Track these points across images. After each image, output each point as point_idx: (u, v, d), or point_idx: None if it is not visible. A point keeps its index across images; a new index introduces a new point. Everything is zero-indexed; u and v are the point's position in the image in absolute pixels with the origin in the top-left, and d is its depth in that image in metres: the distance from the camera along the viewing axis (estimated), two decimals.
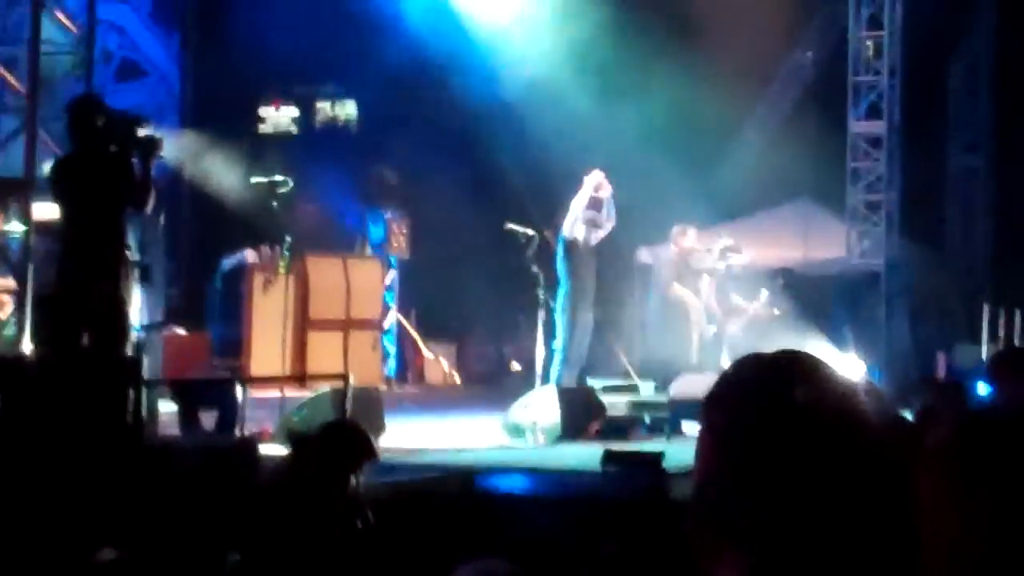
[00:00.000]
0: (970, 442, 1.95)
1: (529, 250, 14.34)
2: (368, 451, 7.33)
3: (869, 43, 20.03)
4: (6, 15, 11.56)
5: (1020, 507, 1.88)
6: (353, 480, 7.20)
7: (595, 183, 14.46)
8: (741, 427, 1.89)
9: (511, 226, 14.55)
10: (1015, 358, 4.16)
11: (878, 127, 19.88)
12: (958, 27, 22.55)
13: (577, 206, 14.35)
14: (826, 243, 20.66)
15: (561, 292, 14.33)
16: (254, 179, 13.26)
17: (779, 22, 21.84)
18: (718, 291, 16.90)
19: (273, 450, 9.94)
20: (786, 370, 1.93)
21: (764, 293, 17.41)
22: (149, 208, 9.92)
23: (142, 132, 9.86)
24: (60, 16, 11.21)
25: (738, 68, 21.44)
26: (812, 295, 19.45)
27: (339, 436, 7.40)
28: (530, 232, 14.47)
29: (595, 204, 14.47)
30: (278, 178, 12.95)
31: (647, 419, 13.48)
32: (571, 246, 14.28)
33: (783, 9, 21.61)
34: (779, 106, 23.06)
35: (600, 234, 14.57)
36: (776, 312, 18.94)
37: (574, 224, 14.34)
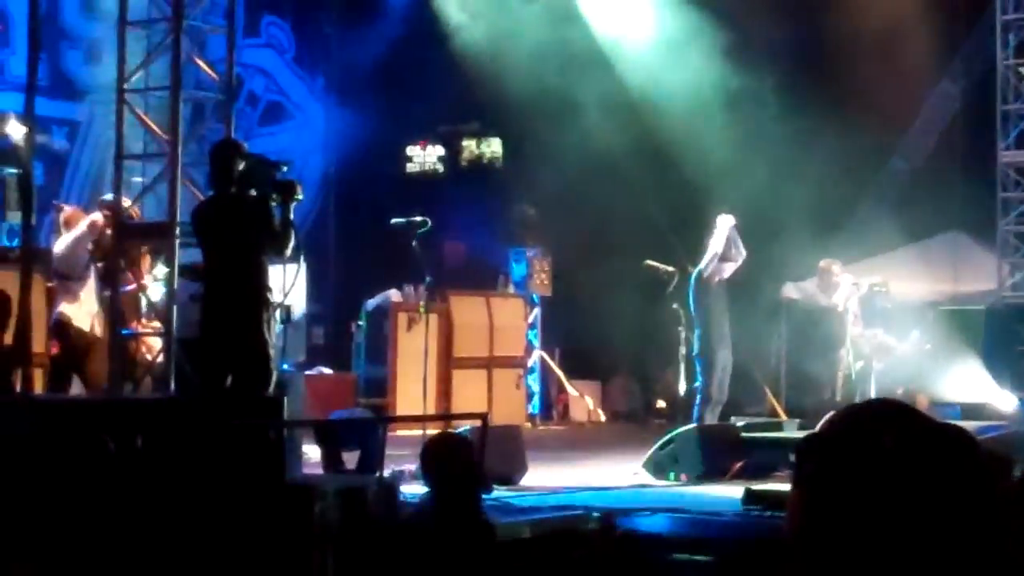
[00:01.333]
0: None
1: (670, 287, 14.29)
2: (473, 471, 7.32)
3: (1018, 71, 19.69)
4: (150, 62, 11.79)
5: None
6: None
7: (730, 224, 14.38)
8: (832, 476, 1.88)
9: (651, 263, 14.51)
10: None
11: None
12: None
13: (715, 245, 14.27)
14: (977, 276, 20.32)
15: (697, 331, 14.24)
16: (394, 220, 13.34)
17: (926, 53, 21.55)
18: (866, 327, 16.65)
19: (414, 489, 9.97)
20: (876, 418, 1.92)
21: (915, 333, 17.11)
22: (289, 252, 10.05)
23: (282, 176, 9.99)
24: (200, 62, 11.41)
25: (885, 100, 21.18)
26: (963, 329, 19.11)
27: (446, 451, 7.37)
28: (670, 269, 14.42)
29: (727, 241, 14.43)
30: (417, 218, 13.02)
31: (791, 458, 13.30)
32: (704, 285, 14.21)
33: (930, 39, 21.31)
34: (927, 138, 22.72)
35: (730, 268, 14.45)
36: (927, 347, 18.64)
37: (710, 263, 14.27)
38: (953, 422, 1.99)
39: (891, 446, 1.85)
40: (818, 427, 1.99)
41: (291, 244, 9.92)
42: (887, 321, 17.21)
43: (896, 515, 1.82)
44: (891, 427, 1.88)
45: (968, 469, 1.86)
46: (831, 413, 2.02)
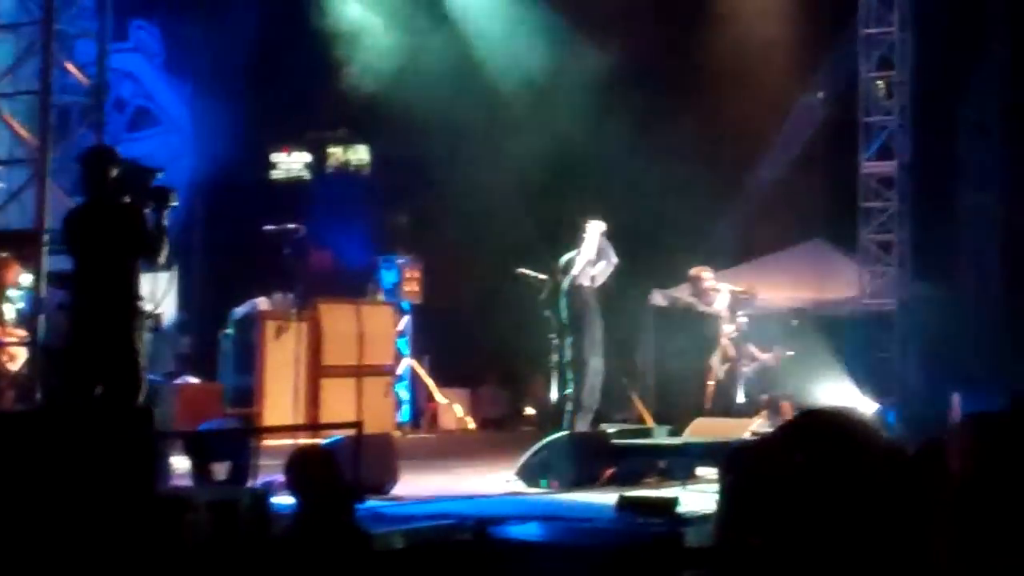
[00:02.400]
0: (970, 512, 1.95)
1: (541, 295, 14.31)
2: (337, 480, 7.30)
3: (879, 83, 20.07)
4: (18, 65, 11.59)
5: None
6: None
7: (600, 230, 14.41)
8: (743, 487, 1.92)
9: (523, 271, 14.53)
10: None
11: (889, 167, 19.92)
12: (968, 67, 22.54)
13: (586, 252, 14.28)
14: (839, 283, 20.66)
15: (570, 338, 14.27)
16: (267, 227, 13.23)
17: (790, 64, 21.88)
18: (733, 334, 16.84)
19: (286, 500, 9.89)
20: (798, 432, 1.95)
21: (777, 347, 17.36)
22: (163, 259, 9.93)
23: (155, 182, 9.87)
24: (70, 67, 11.23)
25: (750, 110, 21.47)
26: (826, 335, 19.42)
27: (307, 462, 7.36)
28: (542, 277, 14.44)
29: (599, 249, 14.45)
30: (290, 226, 12.94)
31: (661, 464, 13.41)
32: (576, 292, 14.23)
33: (794, 52, 21.65)
34: (790, 148, 23.05)
35: (603, 276, 14.49)
36: (790, 354, 18.92)
37: (580, 272, 14.28)
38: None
39: (801, 461, 1.88)
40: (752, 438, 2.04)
41: (165, 251, 9.81)
42: (752, 328, 17.42)
43: (806, 526, 1.85)
44: (808, 443, 1.91)
45: (882, 486, 1.89)
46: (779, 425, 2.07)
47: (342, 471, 7.52)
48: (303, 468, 7.24)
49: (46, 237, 10.57)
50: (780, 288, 20.47)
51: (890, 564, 1.89)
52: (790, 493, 1.87)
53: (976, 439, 3.81)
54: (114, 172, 9.81)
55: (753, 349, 16.01)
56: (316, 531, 6.98)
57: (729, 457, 2.00)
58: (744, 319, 16.45)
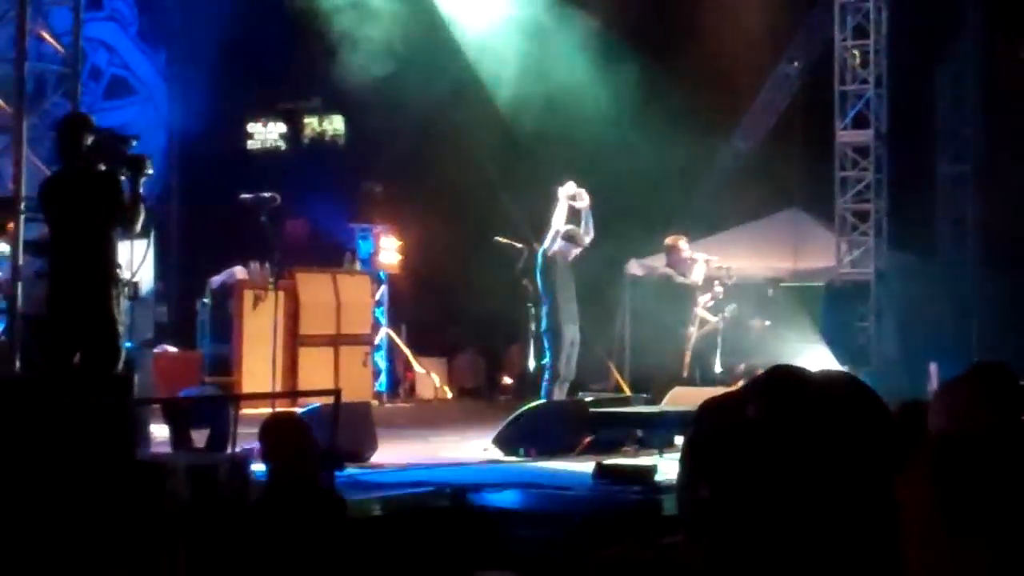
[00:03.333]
0: (945, 465, 1.97)
1: (519, 264, 14.31)
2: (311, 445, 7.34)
3: (855, 52, 20.09)
4: None
5: (997, 529, 1.89)
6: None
7: (569, 194, 14.30)
8: (699, 438, 1.94)
9: (500, 239, 14.53)
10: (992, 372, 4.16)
11: (865, 136, 19.95)
12: (944, 36, 22.60)
13: (556, 221, 14.21)
14: (816, 253, 20.70)
15: (545, 307, 14.26)
16: (243, 195, 13.19)
17: (765, 33, 21.89)
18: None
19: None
20: (756, 387, 1.96)
21: (731, 307, 17.34)
22: (138, 227, 9.91)
23: (130, 150, 9.84)
24: (46, 35, 11.19)
25: (725, 79, 21.50)
26: (804, 305, 19.49)
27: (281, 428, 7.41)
28: (519, 245, 14.43)
29: (574, 217, 14.36)
30: (266, 194, 12.90)
31: (639, 433, 13.46)
32: (551, 262, 14.16)
33: (769, 20, 21.66)
34: (766, 117, 23.10)
35: (578, 249, 14.41)
36: (767, 323, 18.97)
37: (554, 239, 14.19)
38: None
39: (753, 416, 1.90)
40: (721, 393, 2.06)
41: (141, 219, 9.79)
42: (730, 296, 17.40)
43: (746, 482, 1.86)
44: (762, 397, 1.92)
45: (845, 444, 1.91)
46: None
47: (315, 438, 7.55)
48: (276, 435, 7.28)
49: (23, 205, 10.53)
50: (756, 258, 20.52)
51: (852, 521, 1.91)
52: (739, 445, 1.89)
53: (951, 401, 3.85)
54: (89, 140, 9.78)
55: (705, 314, 15.99)
56: (289, 497, 7.03)
57: (698, 410, 2.02)
58: (720, 289, 16.45)
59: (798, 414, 1.91)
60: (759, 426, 1.90)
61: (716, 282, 16.38)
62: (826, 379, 1.98)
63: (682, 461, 2.00)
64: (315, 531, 6.99)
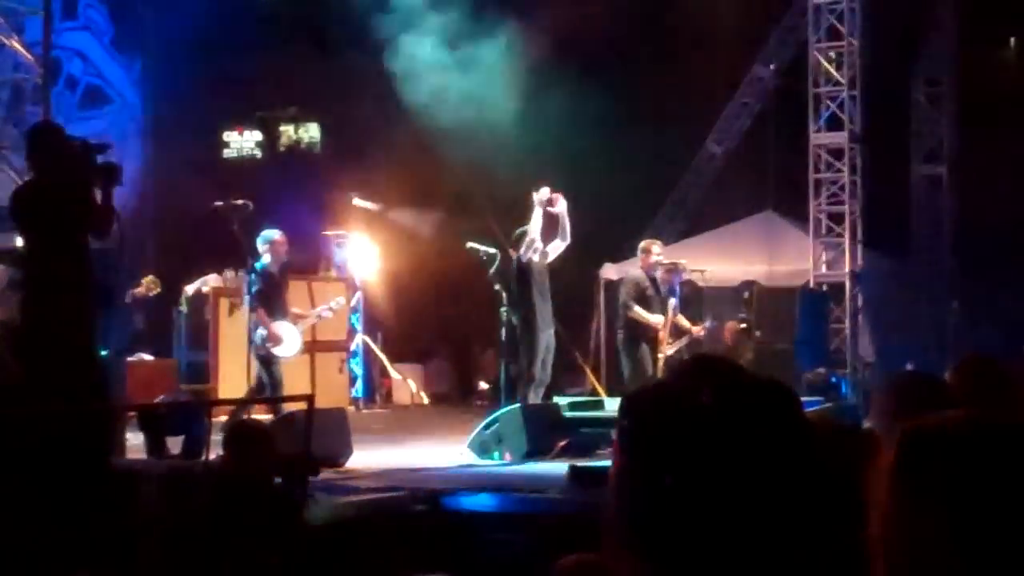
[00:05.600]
0: (916, 458, 1.99)
1: (491, 269, 14.33)
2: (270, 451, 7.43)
3: (830, 54, 20.14)
4: None
5: (965, 521, 1.92)
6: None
7: (543, 199, 14.29)
8: (647, 429, 1.91)
9: (473, 245, 14.54)
10: (978, 367, 4.22)
11: (839, 138, 19.99)
12: (918, 37, 22.70)
13: (532, 226, 14.20)
14: (791, 255, 20.73)
15: (520, 312, 14.26)
16: (216, 203, 13.22)
17: (739, 36, 21.96)
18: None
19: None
20: (696, 373, 1.94)
21: (708, 319, 17.38)
22: (110, 234, 9.92)
23: (102, 159, 9.85)
24: (17, 45, 11.21)
25: (699, 82, 21.56)
26: (778, 308, 19.54)
27: (243, 437, 7.51)
28: (492, 250, 14.44)
29: (551, 221, 14.35)
30: (239, 202, 12.93)
31: (614, 435, 13.46)
32: (527, 267, 14.16)
33: (743, 23, 21.73)
34: (740, 120, 23.17)
35: (553, 254, 14.39)
36: (742, 326, 19.03)
37: (530, 244, 14.17)
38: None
39: (709, 401, 1.88)
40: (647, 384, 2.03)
41: (112, 228, 9.80)
42: (690, 304, 17.41)
43: (712, 467, 1.85)
44: (709, 381, 1.91)
45: (790, 422, 1.92)
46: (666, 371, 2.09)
47: (275, 445, 7.62)
48: (238, 441, 7.37)
49: None
50: (731, 260, 20.57)
51: (817, 509, 1.93)
52: (698, 431, 1.89)
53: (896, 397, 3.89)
54: (60, 148, 9.79)
55: (684, 322, 15.97)
56: (240, 500, 7.11)
57: (625, 403, 2.00)
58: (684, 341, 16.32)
59: (751, 399, 1.91)
60: (716, 411, 1.88)
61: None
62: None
63: (627, 455, 1.95)
64: (265, 534, 7.05)
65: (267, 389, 13.56)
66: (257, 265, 13.41)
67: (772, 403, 1.91)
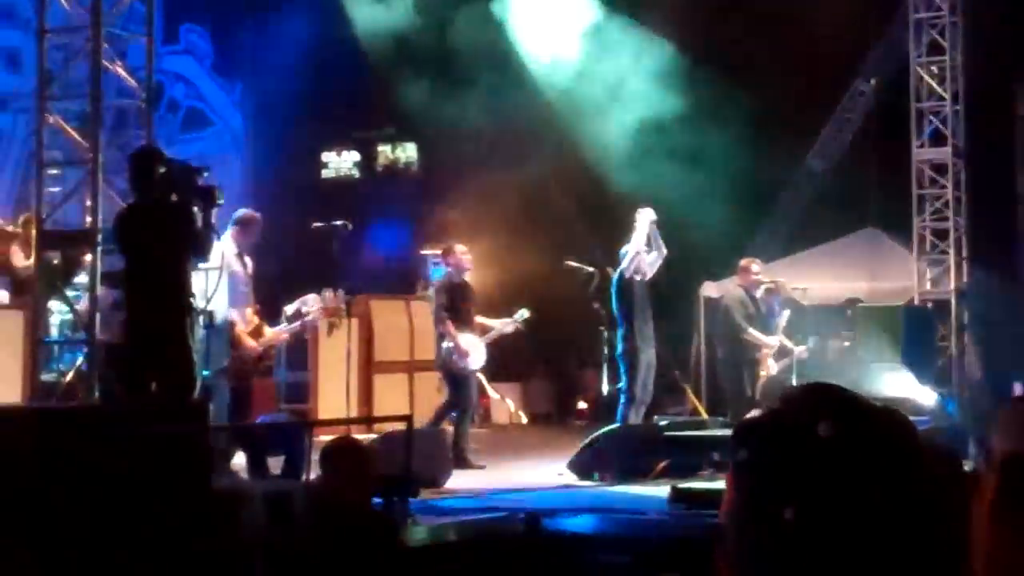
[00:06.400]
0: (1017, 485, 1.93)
1: (590, 287, 14.28)
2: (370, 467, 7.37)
3: (932, 68, 19.89)
4: (71, 69, 11.74)
5: None
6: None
7: (651, 219, 14.33)
8: (767, 462, 1.88)
9: (571, 263, 14.51)
10: None
11: (943, 154, 19.73)
12: (1021, 49, 22.36)
13: (635, 244, 14.21)
14: (894, 273, 20.49)
15: (620, 331, 14.24)
16: (315, 224, 13.30)
17: (839, 51, 21.77)
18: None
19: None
20: (813, 402, 1.91)
21: (813, 339, 17.20)
22: (210, 257, 10.01)
23: (201, 181, 9.94)
24: (120, 70, 11.33)
25: (800, 98, 21.39)
26: (882, 326, 19.28)
27: (340, 455, 7.44)
28: (590, 269, 14.41)
29: (648, 237, 14.38)
30: (338, 222, 13.00)
31: (715, 456, 13.38)
32: (627, 285, 14.17)
33: (843, 38, 21.53)
34: (842, 136, 22.95)
35: (653, 266, 14.40)
36: (845, 344, 18.80)
37: (631, 262, 14.20)
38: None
39: (830, 433, 1.86)
40: (757, 414, 2.00)
41: (212, 249, 9.88)
42: (792, 322, 17.23)
43: (834, 501, 1.83)
44: (828, 411, 1.88)
45: (910, 453, 1.88)
46: (770, 402, 2.03)
47: (374, 464, 7.58)
48: (333, 459, 7.32)
49: (100, 237, 10.68)
50: (834, 278, 20.36)
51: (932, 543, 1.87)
52: (821, 463, 1.84)
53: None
54: (161, 172, 9.89)
55: (787, 342, 15.81)
56: (336, 521, 7.07)
57: (738, 434, 1.96)
58: (787, 311, 16.28)
59: (871, 430, 1.88)
60: (836, 443, 1.86)
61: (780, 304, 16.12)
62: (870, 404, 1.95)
63: (746, 488, 1.92)
64: (362, 555, 7.02)
65: (461, 403, 13.74)
66: (436, 275, 13.51)
67: (892, 434, 1.87)
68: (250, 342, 12.12)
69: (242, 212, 12.66)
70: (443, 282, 14.03)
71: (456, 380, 13.89)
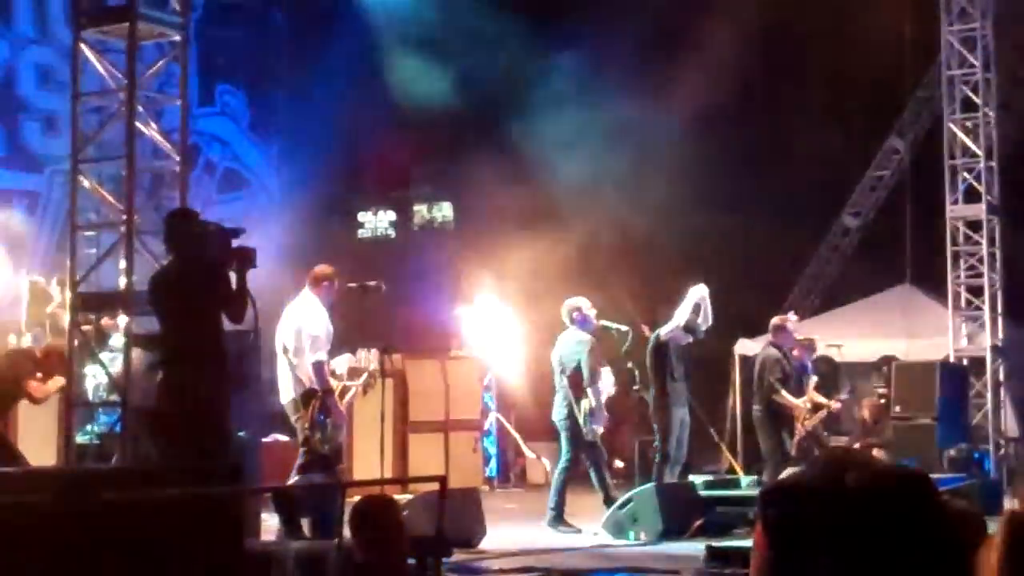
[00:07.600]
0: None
1: (623, 347, 14.28)
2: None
3: (966, 124, 19.86)
4: (105, 131, 11.86)
5: None
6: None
7: (700, 296, 14.41)
8: (796, 520, 1.91)
9: (605, 323, 14.51)
10: None
11: (977, 210, 19.67)
12: None
13: (681, 314, 14.31)
14: (929, 329, 20.41)
15: (654, 390, 14.25)
16: (349, 284, 13.36)
17: (873, 108, 21.81)
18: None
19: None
20: (836, 462, 1.95)
21: (846, 389, 17.14)
22: (244, 318, 10.02)
23: (236, 243, 9.98)
24: (155, 132, 11.43)
25: (833, 154, 21.42)
26: (917, 382, 19.18)
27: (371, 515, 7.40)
28: (623, 328, 14.41)
29: (695, 309, 14.46)
30: (371, 283, 13.04)
31: (750, 514, 13.32)
32: (662, 346, 14.23)
33: (876, 96, 21.58)
34: (875, 193, 22.94)
35: (692, 338, 14.49)
36: (880, 401, 18.72)
37: (670, 331, 14.29)
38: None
39: (853, 485, 1.89)
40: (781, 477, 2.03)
41: (246, 311, 9.90)
42: (826, 379, 17.18)
43: (860, 552, 1.85)
44: (852, 469, 1.91)
45: (928, 508, 1.90)
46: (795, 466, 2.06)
47: (404, 523, 7.56)
48: (364, 517, 7.29)
49: (135, 299, 10.75)
50: (869, 335, 20.31)
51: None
52: (846, 518, 1.87)
53: None
54: (196, 233, 9.93)
55: (820, 397, 15.77)
56: None
57: (767, 495, 1.99)
58: (815, 378, 16.20)
59: (891, 486, 1.90)
60: (859, 498, 1.88)
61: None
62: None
63: (775, 545, 1.95)
64: None
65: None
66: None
67: (912, 489, 1.90)
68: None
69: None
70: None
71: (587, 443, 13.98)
